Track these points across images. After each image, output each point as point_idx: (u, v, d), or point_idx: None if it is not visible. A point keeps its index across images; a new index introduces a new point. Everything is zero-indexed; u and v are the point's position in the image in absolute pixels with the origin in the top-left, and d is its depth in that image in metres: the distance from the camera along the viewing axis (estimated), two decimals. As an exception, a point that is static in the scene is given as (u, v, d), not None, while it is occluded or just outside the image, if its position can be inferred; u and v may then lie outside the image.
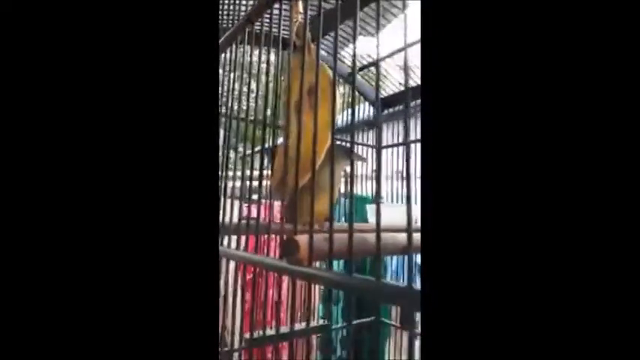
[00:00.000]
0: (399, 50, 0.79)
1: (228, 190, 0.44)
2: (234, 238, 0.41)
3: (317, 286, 1.06)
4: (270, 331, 0.55)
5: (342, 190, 0.83)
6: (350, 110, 1.06)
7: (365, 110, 1.08)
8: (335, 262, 0.28)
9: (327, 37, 0.81)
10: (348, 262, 0.28)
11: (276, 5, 0.40)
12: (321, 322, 0.69)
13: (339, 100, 1.01)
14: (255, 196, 0.41)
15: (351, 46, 0.94)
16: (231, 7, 0.59)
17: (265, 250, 0.37)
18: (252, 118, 0.50)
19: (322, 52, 0.90)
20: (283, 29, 0.70)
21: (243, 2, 0.63)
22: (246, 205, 0.42)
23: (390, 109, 1.00)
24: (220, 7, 0.60)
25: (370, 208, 0.84)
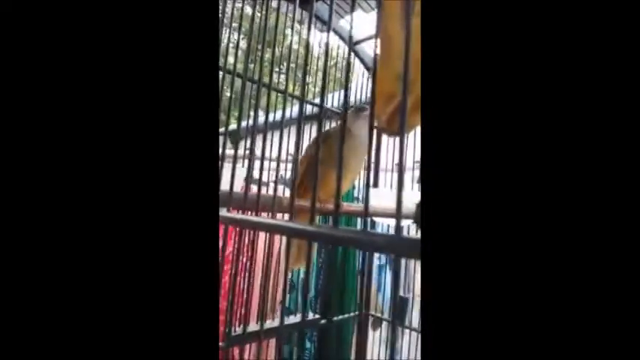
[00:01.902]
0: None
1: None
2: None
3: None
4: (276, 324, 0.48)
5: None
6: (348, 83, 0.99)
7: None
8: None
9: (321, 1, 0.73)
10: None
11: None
12: (293, 317, 0.63)
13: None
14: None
15: (347, 18, 0.87)
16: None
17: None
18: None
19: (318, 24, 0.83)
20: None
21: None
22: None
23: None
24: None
25: (373, 192, 0.89)
